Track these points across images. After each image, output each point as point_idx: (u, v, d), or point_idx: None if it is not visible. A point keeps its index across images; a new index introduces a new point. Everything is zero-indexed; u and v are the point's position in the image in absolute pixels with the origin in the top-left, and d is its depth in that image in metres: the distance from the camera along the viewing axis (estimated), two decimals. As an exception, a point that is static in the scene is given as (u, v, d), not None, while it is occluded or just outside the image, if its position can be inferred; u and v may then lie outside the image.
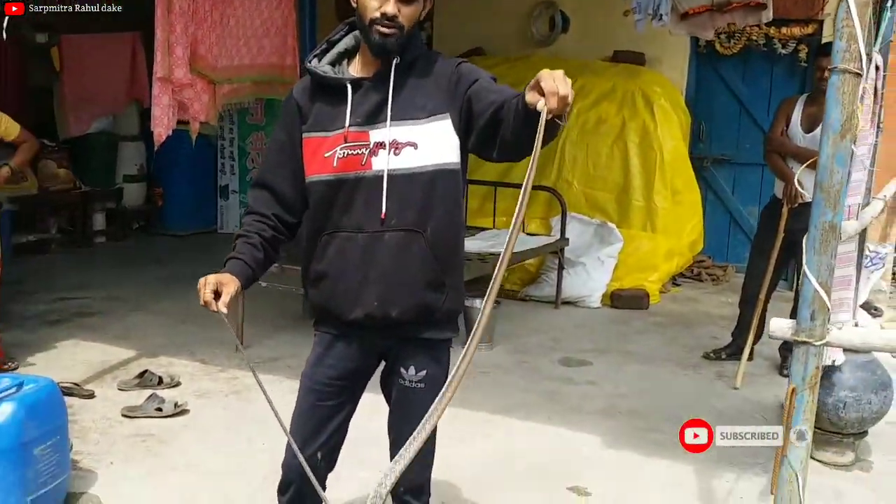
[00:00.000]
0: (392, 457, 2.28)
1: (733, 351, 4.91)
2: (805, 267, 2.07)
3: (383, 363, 2.29)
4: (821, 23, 6.61)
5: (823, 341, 2.09)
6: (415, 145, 2.08)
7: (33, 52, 7.46)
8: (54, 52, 7.50)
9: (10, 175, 4.71)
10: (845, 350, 3.25)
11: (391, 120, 2.08)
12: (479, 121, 2.04)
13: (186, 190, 8.55)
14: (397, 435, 2.26)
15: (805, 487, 2.15)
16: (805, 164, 3.96)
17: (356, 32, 2.18)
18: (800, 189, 4.27)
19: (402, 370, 2.20)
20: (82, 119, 7.77)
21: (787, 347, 4.47)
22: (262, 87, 5.63)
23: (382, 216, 2.08)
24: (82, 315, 5.68)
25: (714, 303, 6.47)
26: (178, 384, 4.39)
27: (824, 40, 6.17)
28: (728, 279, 7.06)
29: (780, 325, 2.18)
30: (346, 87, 2.12)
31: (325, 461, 2.26)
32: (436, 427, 2.27)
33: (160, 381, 4.35)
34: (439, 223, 2.12)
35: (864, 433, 3.66)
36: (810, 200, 2.11)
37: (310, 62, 2.18)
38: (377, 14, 2.04)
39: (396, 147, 2.08)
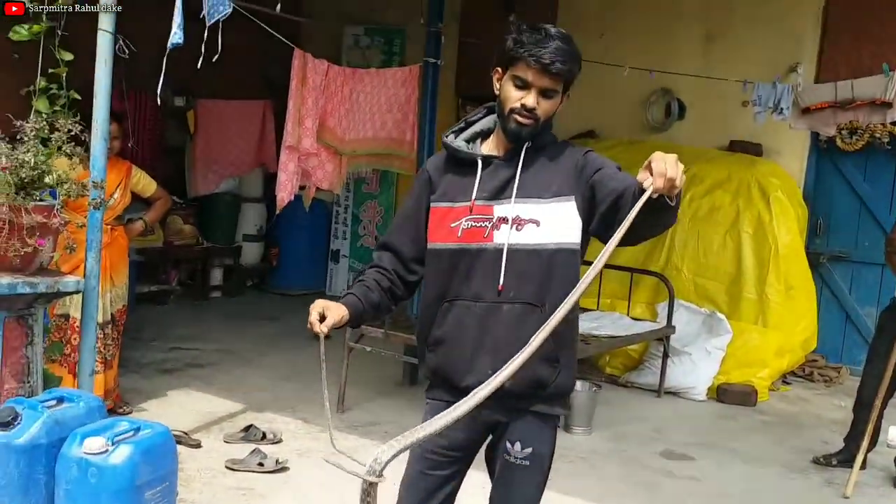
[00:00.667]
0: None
1: (845, 457, 4.68)
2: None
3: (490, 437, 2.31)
4: (946, 123, 6.39)
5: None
6: (537, 223, 2.16)
7: (171, 114, 7.98)
8: (190, 115, 7.99)
9: (144, 229, 5.02)
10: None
11: (516, 196, 2.17)
12: (601, 206, 2.10)
13: (300, 252, 8.81)
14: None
15: None
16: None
17: (493, 116, 2.30)
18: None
19: (508, 445, 2.22)
20: (210, 179, 8.14)
21: (904, 459, 4.25)
22: (379, 159, 5.85)
23: (500, 288, 2.16)
24: (194, 366, 5.91)
25: (826, 405, 6.20)
26: (279, 441, 4.49)
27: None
28: (842, 381, 6.74)
29: (898, 435, 2.10)
30: (477, 162, 2.23)
31: None
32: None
33: (263, 436, 4.47)
34: (557, 299, 2.15)
35: None
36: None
37: (447, 137, 2.31)
38: (517, 104, 2.15)
39: (519, 223, 2.16)
